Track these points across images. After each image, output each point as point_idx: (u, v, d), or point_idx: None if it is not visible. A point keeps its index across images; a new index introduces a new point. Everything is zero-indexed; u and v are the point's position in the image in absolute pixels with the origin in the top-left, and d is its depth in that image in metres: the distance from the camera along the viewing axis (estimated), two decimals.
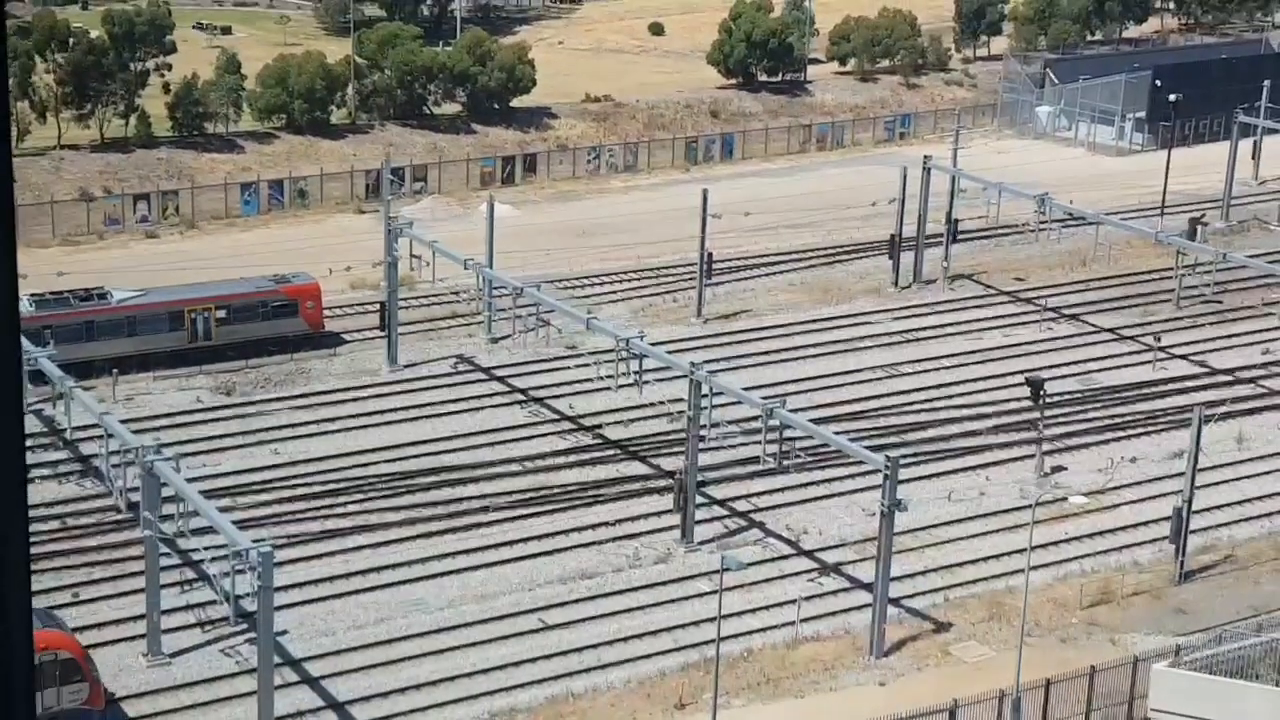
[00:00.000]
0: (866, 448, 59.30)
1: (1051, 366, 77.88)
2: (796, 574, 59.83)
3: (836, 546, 61.67)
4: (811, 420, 62.39)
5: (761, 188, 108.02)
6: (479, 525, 61.94)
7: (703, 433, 61.25)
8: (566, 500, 64.46)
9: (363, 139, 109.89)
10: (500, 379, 75.71)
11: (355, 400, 72.79)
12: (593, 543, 61.30)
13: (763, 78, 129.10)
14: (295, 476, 65.40)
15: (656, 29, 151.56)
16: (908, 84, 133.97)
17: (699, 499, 62.29)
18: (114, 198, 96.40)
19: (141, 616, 52.78)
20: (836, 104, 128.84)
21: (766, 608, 57.26)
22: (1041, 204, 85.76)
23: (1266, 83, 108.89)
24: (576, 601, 57.02)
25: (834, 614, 57.18)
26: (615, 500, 64.72)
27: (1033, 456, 68.60)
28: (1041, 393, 68.84)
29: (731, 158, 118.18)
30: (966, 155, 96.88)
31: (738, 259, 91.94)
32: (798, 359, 79.23)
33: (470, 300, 78.30)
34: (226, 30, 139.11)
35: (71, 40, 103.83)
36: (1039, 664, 51.14)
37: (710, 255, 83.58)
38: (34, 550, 56.32)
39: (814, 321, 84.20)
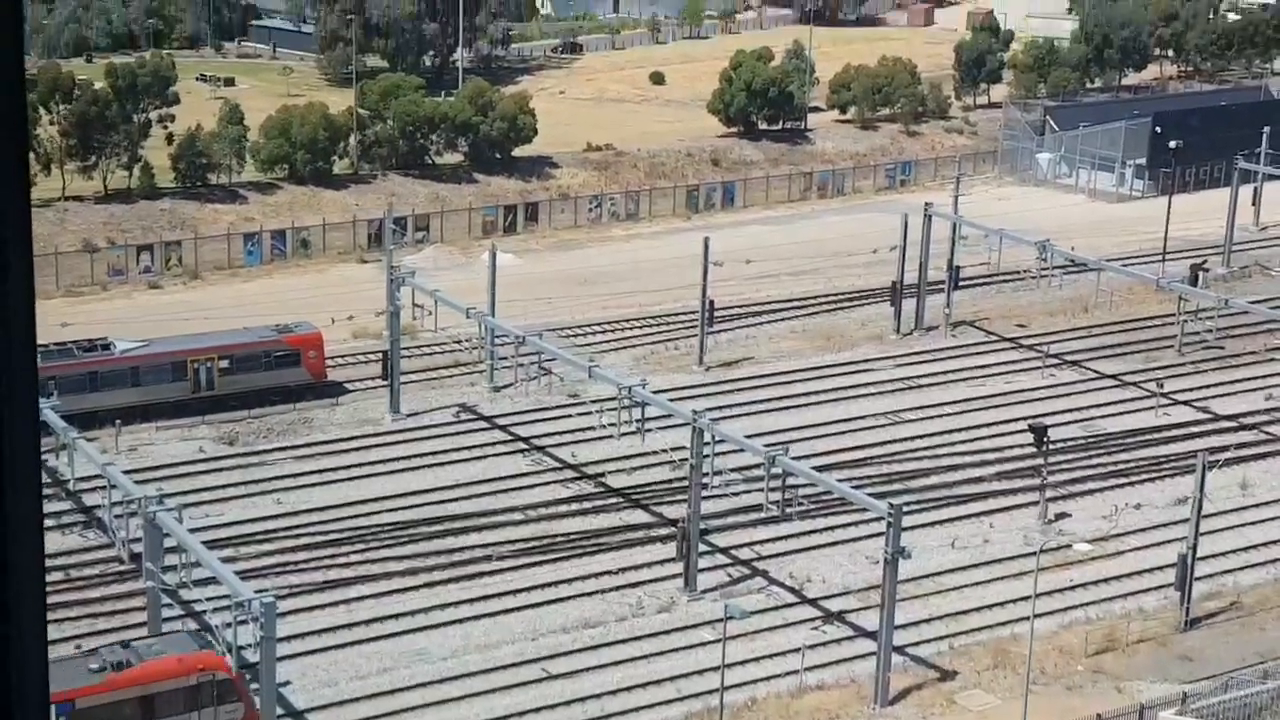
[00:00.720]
0: (869, 495, 59.24)
1: (1054, 413, 77.82)
2: (800, 622, 59.63)
3: (840, 594, 61.49)
4: (814, 467, 62.33)
5: (763, 235, 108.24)
6: (482, 574, 61.79)
7: (705, 480, 61.17)
8: (569, 549, 64.33)
9: (365, 189, 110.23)
10: (502, 427, 75.68)
11: (358, 449, 72.74)
12: (596, 591, 61.13)
13: (763, 126, 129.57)
14: (298, 526, 65.30)
15: (657, 78, 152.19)
16: (908, 132, 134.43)
17: (702, 547, 62.15)
18: (117, 248, 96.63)
19: None
20: (837, 152, 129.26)
21: (770, 656, 57.04)
22: (1043, 250, 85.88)
23: (1266, 129, 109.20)
24: (580, 651, 56.81)
25: (838, 662, 56.95)
26: (618, 549, 64.59)
27: (1036, 503, 68.47)
28: (1044, 439, 68.78)
29: (733, 206, 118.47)
30: (967, 202, 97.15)
31: (739, 306, 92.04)
32: (800, 406, 79.20)
33: (472, 349, 78.36)
34: (229, 82, 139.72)
35: (75, 92, 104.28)
36: (1045, 712, 50.92)
37: (712, 303, 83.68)
38: None
39: (816, 369, 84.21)
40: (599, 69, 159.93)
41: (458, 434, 75.02)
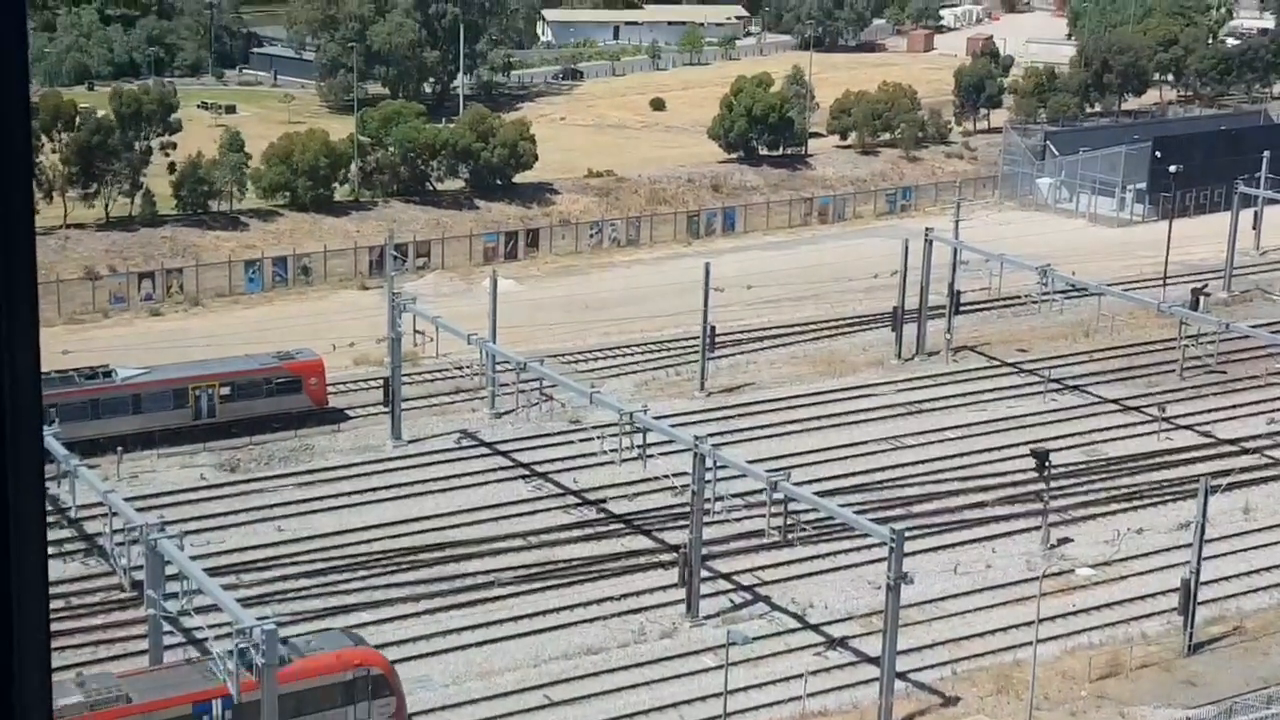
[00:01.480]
0: (871, 520, 59.15)
1: (1056, 437, 77.76)
2: (803, 648, 59.51)
3: (843, 620, 61.38)
4: (816, 493, 62.31)
5: (763, 261, 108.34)
6: (484, 600, 61.67)
7: (707, 506, 61.10)
8: (571, 575, 64.23)
9: (366, 215, 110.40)
10: (504, 454, 75.64)
11: (359, 476, 72.70)
12: (598, 617, 61.01)
13: (764, 151, 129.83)
14: (299, 553, 65.21)
15: (658, 104, 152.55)
16: (908, 157, 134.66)
17: (704, 573, 62.06)
18: (119, 276, 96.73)
19: None
20: (837, 177, 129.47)
21: (773, 682, 56.90)
22: (1043, 275, 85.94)
23: (1266, 153, 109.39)
24: (582, 677, 56.68)
25: (841, 688, 56.81)
26: (620, 575, 64.49)
27: (1039, 528, 68.38)
28: (1046, 464, 68.72)
29: (733, 231, 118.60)
30: (968, 227, 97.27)
31: (740, 332, 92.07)
32: (801, 431, 79.16)
33: (474, 375, 78.36)
34: (230, 109, 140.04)
35: (77, 120, 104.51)
36: None
37: (713, 328, 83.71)
38: None
39: (817, 394, 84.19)
40: (599, 95, 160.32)
41: (459, 460, 74.98)
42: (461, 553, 65.82)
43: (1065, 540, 68.47)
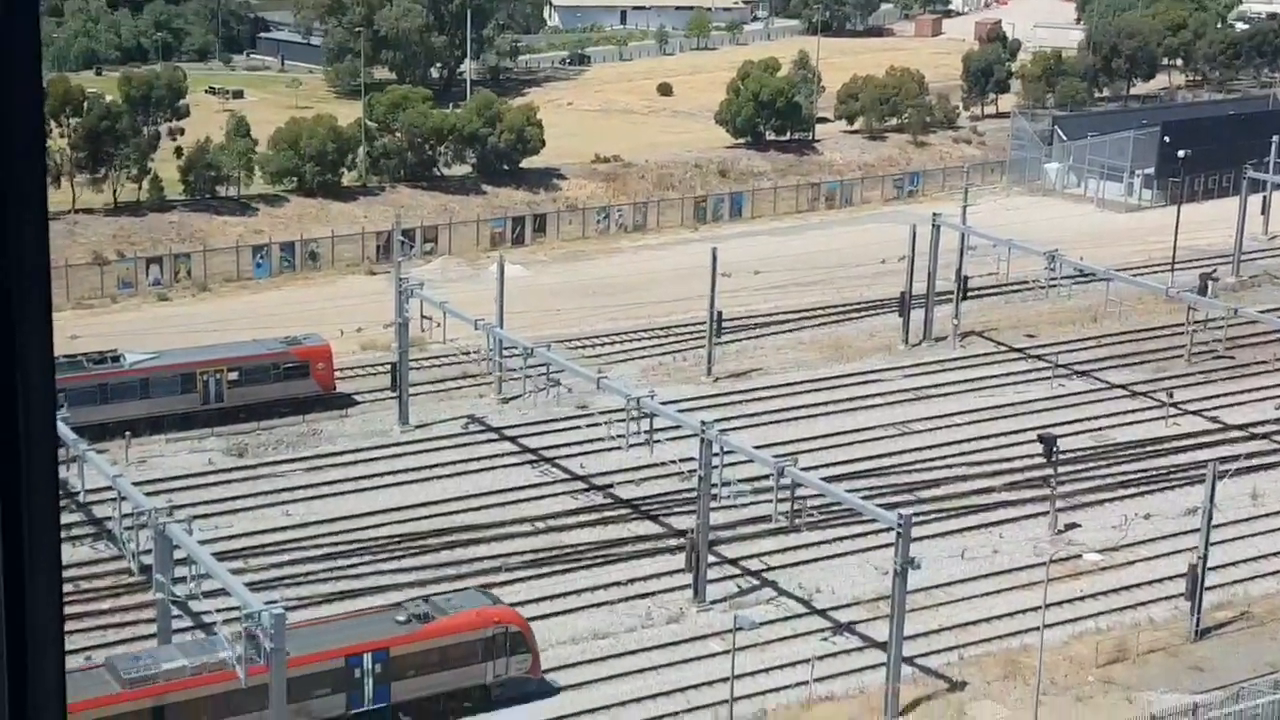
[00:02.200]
0: (879, 506, 59.22)
1: (1064, 423, 77.74)
2: (810, 633, 59.59)
3: (850, 605, 61.45)
4: (823, 478, 62.35)
5: (770, 246, 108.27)
6: (491, 586, 61.71)
7: (714, 492, 61.14)
8: (578, 560, 64.30)
9: (373, 201, 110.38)
10: (511, 439, 75.71)
11: (367, 461, 72.81)
12: (605, 602, 61.10)
13: (771, 136, 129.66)
14: (307, 538, 65.35)
15: (665, 89, 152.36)
16: (916, 142, 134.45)
17: (711, 558, 62.13)
18: (127, 261, 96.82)
19: None
20: (845, 162, 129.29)
21: (780, 667, 56.99)
22: (1051, 261, 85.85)
23: (1275, 138, 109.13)
24: (589, 662, 56.79)
25: (848, 673, 56.91)
26: (627, 560, 64.57)
27: (1046, 514, 68.38)
28: (1054, 449, 68.69)
29: (740, 216, 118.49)
30: (975, 212, 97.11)
31: (747, 317, 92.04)
32: (808, 417, 79.16)
33: (481, 361, 78.40)
34: (238, 94, 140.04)
35: (85, 105, 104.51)
36: None
37: (720, 314, 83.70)
38: None
39: (824, 379, 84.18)
40: (606, 80, 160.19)
41: (467, 445, 75.08)
42: (469, 538, 65.92)
43: (1073, 525, 68.49)
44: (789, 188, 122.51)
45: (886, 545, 58.08)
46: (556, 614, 60.01)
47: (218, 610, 51.72)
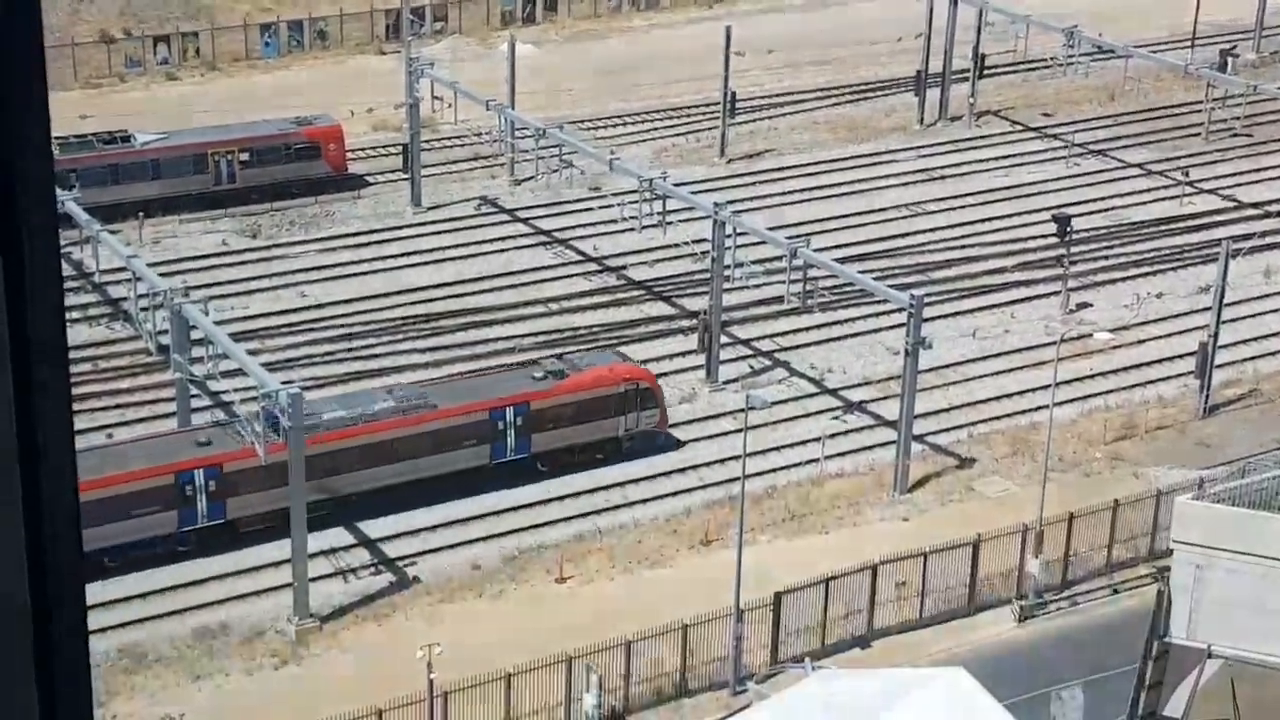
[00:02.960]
0: (891, 286, 59.34)
1: (1078, 203, 77.44)
2: (821, 412, 60.25)
3: (860, 385, 62.00)
4: (836, 259, 62.40)
5: (785, 24, 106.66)
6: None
7: (727, 273, 61.28)
8: (592, 341, 64.72)
9: None
10: (524, 220, 75.65)
11: (380, 243, 72.89)
12: None
13: None
14: (322, 319, 65.77)
15: None
16: None
17: (723, 339, 62.53)
18: (134, 39, 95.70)
19: None
20: None
21: (791, 445, 57.78)
22: (1070, 37, 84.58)
23: None
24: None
25: (858, 451, 57.69)
26: (640, 340, 64.98)
27: (1058, 293, 68.54)
28: (1068, 229, 68.56)
29: None
30: None
31: (761, 97, 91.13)
32: (822, 198, 78.88)
33: (493, 142, 77.94)
34: None
35: None
36: (1062, 498, 51.67)
37: (733, 94, 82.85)
38: None
39: (838, 160, 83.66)
40: None
41: (479, 227, 75.05)
42: (482, 319, 66.30)
43: (1084, 305, 68.68)
44: None
45: (898, 325, 58.42)
46: None
47: (235, 390, 52.38)
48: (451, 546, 51.90)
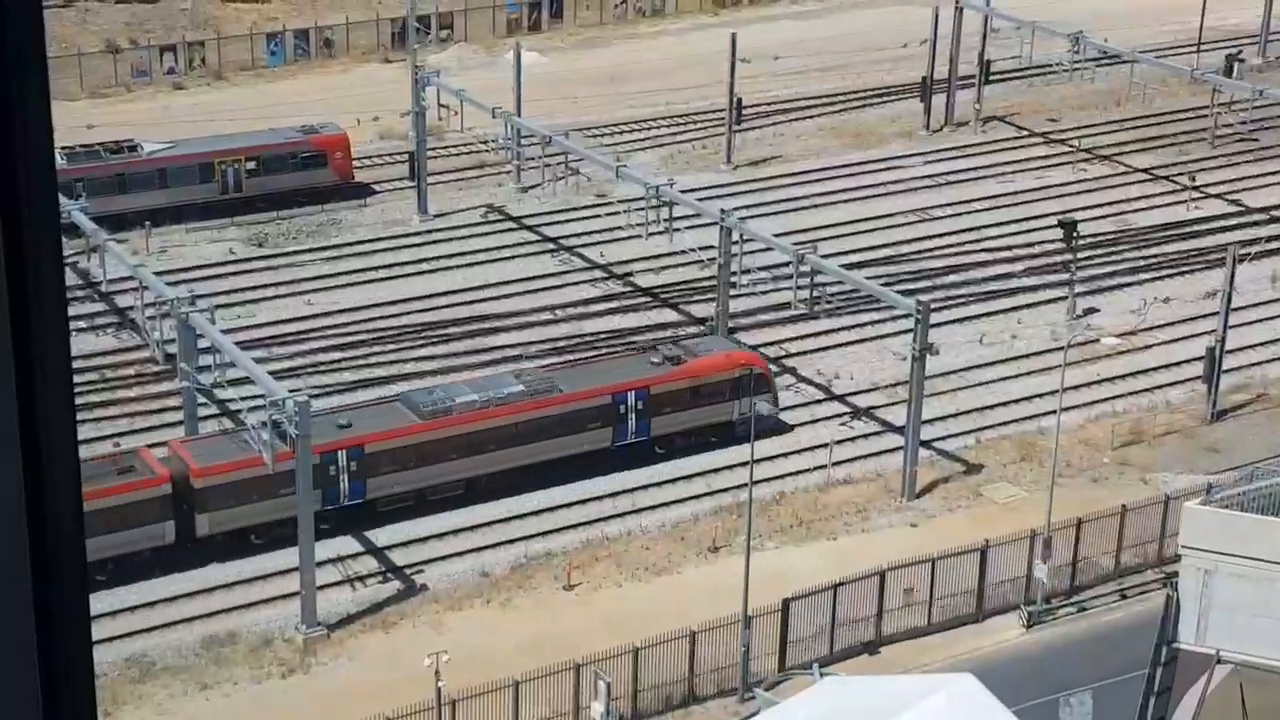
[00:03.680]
0: (898, 292, 59.37)
1: (1085, 208, 77.39)
2: (828, 418, 60.21)
3: (868, 391, 61.95)
4: (843, 265, 62.39)
5: (791, 30, 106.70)
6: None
7: (733, 279, 61.27)
8: (599, 348, 64.71)
9: None
10: (530, 228, 75.68)
11: (387, 250, 72.93)
12: None
13: None
14: (329, 327, 65.82)
15: None
16: None
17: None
18: (140, 49, 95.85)
19: None
20: None
21: (798, 452, 57.74)
22: (1076, 43, 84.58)
23: None
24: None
25: (866, 457, 57.66)
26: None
27: (1065, 298, 68.48)
28: (1074, 234, 68.52)
29: (761, 0, 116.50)
30: None
31: (767, 104, 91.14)
32: (828, 204, 78.86)
33: (499, 149, 77.98)
34: None
35: None
36: (1070, 504, 51.59)
37: (740, 100, 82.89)
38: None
39: (845, 166, 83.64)
40: None
41: (486, 234, 75.08)
42: (490, 326, 66.32)
43: (1091, 310, 68.62)
44: None
45: (905, 331, 58.39)
46: None
47: (242, 398, 52.41)
48: (459, 554, 51.91)
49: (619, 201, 71.81)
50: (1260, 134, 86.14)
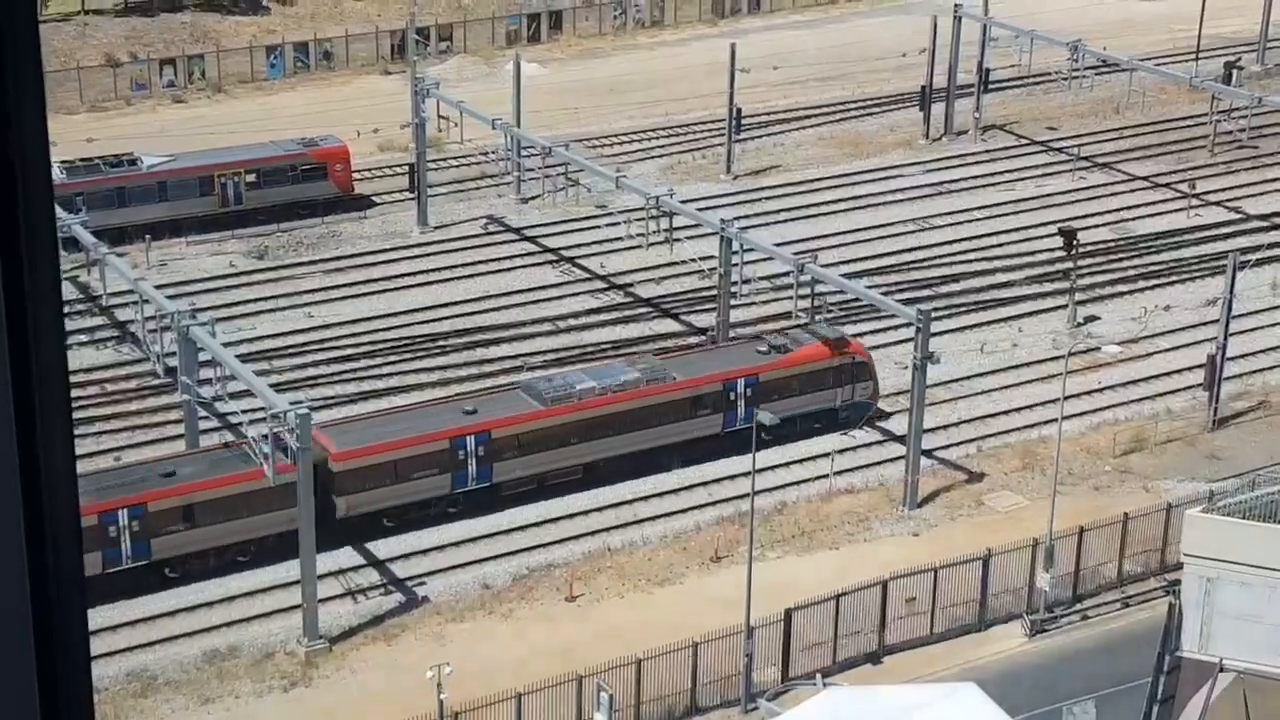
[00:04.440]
0: (898, 301, 59.35)
1: (1084, 216, 77.41)
2: (829, 428, 60.13)
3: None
4: (843, 275, 62.38)
5: (790, 40, 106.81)
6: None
7: (734, 289, 61.25)
8: (600, 358, 64.65)
9: None
10: (531, 239, 75.70)
11: (387, 262, 72.94)
12: None
13: None
14: (330, 339, 65.80)
15: None
16: None
17: None
18: (140, 63, 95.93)
19: None
20: None
21: (800, 461, 57.71)
22: (1074, 51, 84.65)
23: None
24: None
25: (868, 466, 57.61)
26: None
27: (1065, 307, 68.47)
28: (1075, 242, 68.52)
29: (759, 10, 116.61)
30: (998, 3, 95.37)
31: (767, 114, 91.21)
32: (828, 214, 78.88)
33: (499, 160, 78.04)
34: None
35: None
36: (1072, 512, 51.53)
37: (739, 110, 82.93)
38: (75, 415, 56.96)
39: (844, 175, 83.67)
40: None
41: (486, 245, 75.10)
42: (490, 338, 66.31)
43: (1092, 318, 68.61)
44: None
45: (906, 340, 58.37)
46: None
47: (243, 411, 52.38)
48: (461, 566, 51.86)
49: (619, 212, 71.81)
50: (1259, 141, 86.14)
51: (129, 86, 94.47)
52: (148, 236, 71.52)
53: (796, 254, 61.32)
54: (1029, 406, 61.38)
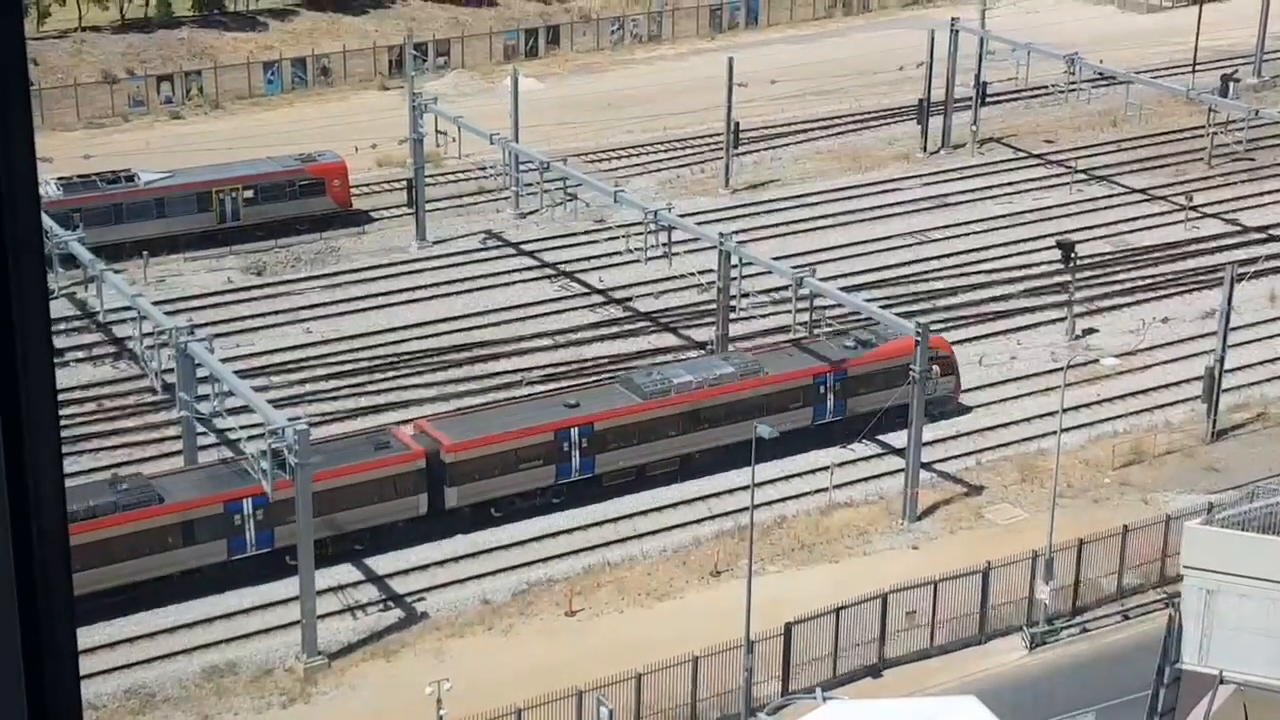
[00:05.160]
0: (897, 315, 59.36)
1: (1082, 229, 77.45)
2: (828, 442, 60.09)
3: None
4: (841, 288, 62.37)
5: (787, 55, 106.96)
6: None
7: (733, 303, 61.24)
8: (598, 373, 64.66)
9: (385, 14, 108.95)
10: (529, 254, 75.70)
11: (385, 278, 72.93)
12: None
13: None
14: (328, 355, 65.77)
15: None
16: None
17: None
18: (137, 79, 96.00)
19: None
20: None
21: (799, 474, 57.66)
22: (1071, 64, 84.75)
23: None
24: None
25: (867, 480, 57.57)
26: None
27: (1064, 319, 68.47)
28: (1072, 255, 68.54)
29: (756, 25, 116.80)
30: (995, 16, 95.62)
31: (765, 128, 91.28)
32: (827, 227, 78.93)
33: (497, 175, 78.07)
34: None
35: None
36: (1072, 524, 51.48)
37: (737, 125, 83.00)
38: (72, 432, 56.99)
39: (842, 189, 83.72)
40: None
41: (485, 260, 75.10)
42: (489, 353, 66.28)
43: (1090, 331, 68.62)
44: None
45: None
46: None
47: (241, 427, 52.34)
48: (460, 581, 51.78)
49: (617, 226, 71.83)
50: (1256, 153, 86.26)
51: (126, 103, 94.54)
52: (145, 253, 71.51)
53: (795, 267, 61.33)
54: (1028, 419, 61.36)
